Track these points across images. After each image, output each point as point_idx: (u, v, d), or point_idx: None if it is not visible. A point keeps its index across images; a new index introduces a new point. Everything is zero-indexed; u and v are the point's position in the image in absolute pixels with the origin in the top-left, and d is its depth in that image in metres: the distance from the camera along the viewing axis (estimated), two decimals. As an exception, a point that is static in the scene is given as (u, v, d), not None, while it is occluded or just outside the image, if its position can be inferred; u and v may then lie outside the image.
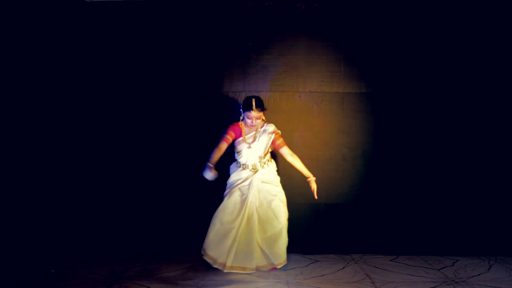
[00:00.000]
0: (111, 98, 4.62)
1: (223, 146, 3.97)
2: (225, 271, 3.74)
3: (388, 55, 4.62)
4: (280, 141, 4.06)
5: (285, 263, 3.89)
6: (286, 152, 4.06)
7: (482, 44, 4.59)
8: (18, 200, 4.28)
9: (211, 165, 3.82)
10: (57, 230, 4.47)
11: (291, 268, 4.09)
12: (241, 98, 4.60)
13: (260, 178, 4.01)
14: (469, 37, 4.59)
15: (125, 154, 4.62)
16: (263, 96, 4.57)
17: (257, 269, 3.83)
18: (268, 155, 4.12)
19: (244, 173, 4.04)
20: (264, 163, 4.06)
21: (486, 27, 4.58)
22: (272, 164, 4.16)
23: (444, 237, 4.58)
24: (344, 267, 4.15)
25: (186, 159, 4.59)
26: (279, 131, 4.08)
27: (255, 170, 4.03)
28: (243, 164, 4.05)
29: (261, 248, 3.86)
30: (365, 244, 4.60)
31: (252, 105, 3.90)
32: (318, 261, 4.34)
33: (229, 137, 4.01)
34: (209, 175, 3.82)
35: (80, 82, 4.60)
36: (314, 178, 4.04)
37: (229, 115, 4.58)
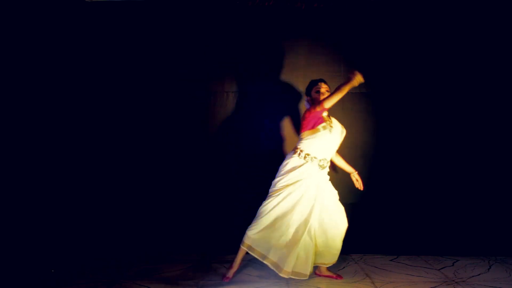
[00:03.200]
0: (112, 98, 4.62)
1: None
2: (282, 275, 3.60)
3: (388, 55, 4.62)
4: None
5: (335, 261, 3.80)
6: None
7: (480, 45, 4.59)
8: (18, 200, 4.28)
9: None
10: (57, 231, 4.47)
11: (291, 268, 4.08)
12: (241, 98, 4.60)
13: (326, 180, 3.76)
14: (467, 37, 4.60)
15: (125, 153, 4.62)
16: (263, 96, 4.59)
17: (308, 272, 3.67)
18: None
19: (309, 169, 3.64)
20: (328, 163, 3.76)
21: (483, 28, 4.59)
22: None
23: (444, 237, 4.58)
24: (344, 267, 4.16)
25: (186, 159, 4.59)
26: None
27: (323, 168, 3.70)
28: (307, 155, 3.65)
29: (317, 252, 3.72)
30: (365, 244, 4.60)
31: (317, 79, 3.82)
32: (318, 261, 4.34)
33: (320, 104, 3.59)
34: None
35: (80, 82, 4.60)
36: (357, 171, 4.01)
37: (230, 115, 4.59)
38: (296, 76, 4.64)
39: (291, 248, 3.59)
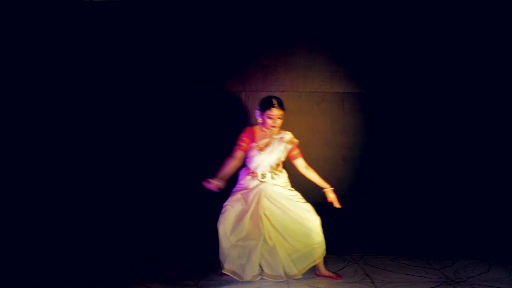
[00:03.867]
0: (113, 98, 4.62)
1: (238, 154, 3.78)
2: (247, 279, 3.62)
3: (388, 55, 4.62)
4: (296, 151, 3.88)
5: (324, 254, 3.76)
6: (300, 164, 3.90)
7: (477, 45, 4.59)
8: (19, 201, 4.28)
9: (214, 181, 3.63)
10: (57, 231, 4.47)
11: (291, 268, 4.08)
12: (241, 98, 4.61)
13: (272, 189, 3.76)
14: (466, 38, 4.60)
15: (125, 153, 4.62)
16: (263, 96, 4.58)
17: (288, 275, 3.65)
18: (281, 165, 3.90)
19: (252, 182, 3.78)
20: (275, 172, 3.82)
21: (480, 28, 4.58)
22: (283, 174, 3.90)
23: (444, 237, 4.58)
24: (344, 267, 4.15)
25: (186, 160, 4.59)
26: (297, 140, 3.93)
27: (264, 180, 3.78)
28: (251, 172, 3.81)
29: (291, 255, 3.69)
30: (365, 244, 4.60)
31: (273, 102, 3.71)
32: (318, 261, 4.34)
33: (244, 144, 3.78)
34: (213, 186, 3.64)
35: (80, 82, 4.60)
36: (332, 188, 3.89)
37: (230, 115, 4.60)
38: (296, 76, 4.64)
39: (249, 256, 3.59)
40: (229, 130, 4.54)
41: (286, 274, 3.62)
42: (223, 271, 3.64)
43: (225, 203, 3.78)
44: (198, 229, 4.54)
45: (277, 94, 4.62)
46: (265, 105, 3.75)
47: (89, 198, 4.59)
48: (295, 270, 3.65)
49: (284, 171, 3.94)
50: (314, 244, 3.69)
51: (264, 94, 4.59)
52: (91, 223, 4.58)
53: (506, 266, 4.19)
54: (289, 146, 3.85)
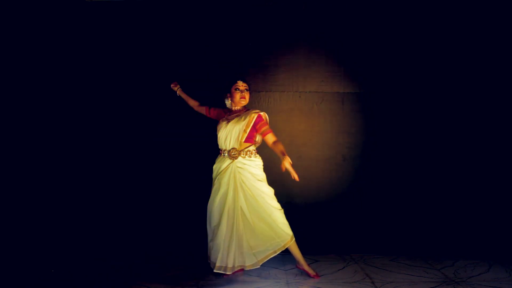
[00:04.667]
0: (113, 99, 4.63)
1: (199, 105, 4.21)
2: (227, 273, 3.72)
3: (388, 55, 4.62)
4: (266, 127, 3.83)
5: (291, 241, 3.74)
6: (270, 139, 3.82)
7: (477, 45, 4.59)
8: (19, 201, 4.28)
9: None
10: (57, 231, 4.48)
11: (291, 268, 4.09)
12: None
13: (242, 168, 3.78)
14: (466, 38, 4.60)
15: (125, 154, 4.63)
16: (263, 96, 4.59)
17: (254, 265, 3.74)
18: (252, 147, 3.86)
19: (224, 162, 3.82)
20: (246, 153, 3.81)
21: (479, 29, 4.58)
22: (257, 160, 3.86)
23: (444, 237, 4.58)
24: (344, 267, 4.15)
25: (186, 161, 4.60)
26: (265, 114, 3.89)
27: (234, 157, 3.79)
28: (221, 149, 3.87)
29: (253, 246, 3.75)
30: (365, 244, 4.60)
31: (237, 79, 3.94)
32: (318, 261, 4.34)
33: (212, 108, 4.11)
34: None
35: (80, 82, 4.61)
36: (289, 160, 3.62)
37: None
38: (296, 76, 4.64)
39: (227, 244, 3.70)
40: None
41: (246, 265, 3.73)
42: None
43: (208, 204, 3.88)
44: (198, 229, 4.53)
45: (277, 94, 4.64)
46: (231, 83, 3.95)
47: (89, 198, 4.60)
48: (255, 259, 3.72)
49: (259, 157, 3.90)
50: (277, 237, 3.73)
51: (264, 94, 4.61)
52: (91, 223, 4.58)
53: (506, 266, 4.19)
54: (255, 117, 3.82)
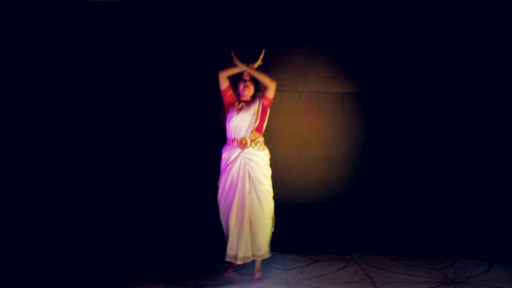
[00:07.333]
0: (113, 99, 4.62)
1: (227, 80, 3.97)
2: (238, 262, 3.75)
3: (388, 55, 4.62)
4: (268, 101, 3.89)
5: (267, 256, 3.78)
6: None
7: (477, 46, 4.59)
8: (19, 201, 4.28)
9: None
10: (57, 231, 4.47)
11: (291, 268, 4.09)
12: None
13: (251, 159, 3.80)
14: (465, 39, 4.60)
15: (125, 155, 4.62)
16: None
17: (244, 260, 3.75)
18: (261, 138, 3.89)
19: (234, 152, 3.82)
20: (255, 143, 3.83)
21: (479, 29, 4.58)
22: (265, 151, 3.90)
23: (444, 237, 4.58)
24: (344, 267, 4.15)
25: (186, 161, 4.59)
26: (271, 95, 3.90)
27: (244, 146, 3.81)
28: (230, 139, 3.87)
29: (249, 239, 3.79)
30: (365, 244, 4.60)
31: (241, 72, 3.95)
32: (318, 261, 4.34)
33: (232, 90, 3.97)
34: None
35: (80, 82, 4.60)
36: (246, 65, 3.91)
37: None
38: (296, 76, 4.64)
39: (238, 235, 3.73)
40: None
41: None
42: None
43: (218, 196, 3.88)
44: (198, 229, 4.54)
45: (277, 94, 4.62)
46: (237, 78, 3.98)
47: (89, 199, 4.59)
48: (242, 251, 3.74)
49: (266, 148, 3.92)
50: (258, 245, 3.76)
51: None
52: (92, 223, 4.58)
53: (506, 266, 4.19)
54: (262, 101, 3.88)
